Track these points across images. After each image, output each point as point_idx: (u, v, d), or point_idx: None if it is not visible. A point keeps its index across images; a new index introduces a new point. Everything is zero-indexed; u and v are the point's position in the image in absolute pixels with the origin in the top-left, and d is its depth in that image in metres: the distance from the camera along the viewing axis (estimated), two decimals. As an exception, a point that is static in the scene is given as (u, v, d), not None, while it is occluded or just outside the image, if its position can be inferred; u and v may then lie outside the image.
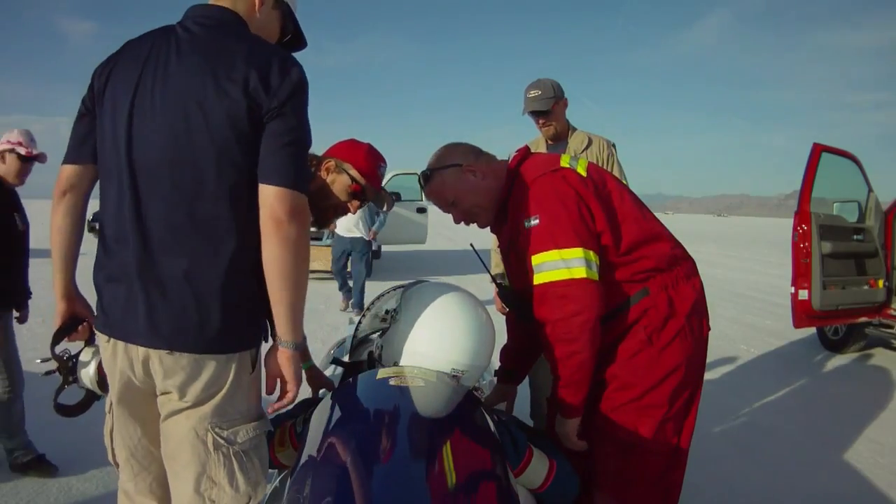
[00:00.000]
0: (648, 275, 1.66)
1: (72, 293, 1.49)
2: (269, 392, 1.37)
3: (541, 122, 2.88)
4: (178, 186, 1.24)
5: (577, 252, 1.50)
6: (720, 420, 3.85)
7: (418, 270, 11.15)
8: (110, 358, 1.35)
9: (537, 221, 1.55)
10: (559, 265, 1.50)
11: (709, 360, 5.78)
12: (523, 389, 3.11)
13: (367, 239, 7.45)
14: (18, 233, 2.69)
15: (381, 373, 1.42)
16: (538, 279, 1.53)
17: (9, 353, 2.74)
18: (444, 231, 22.62)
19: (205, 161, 1.23)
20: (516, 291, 1.77)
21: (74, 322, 1.49)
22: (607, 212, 1.61)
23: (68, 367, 1.53)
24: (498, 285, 1.85)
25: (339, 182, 1.71)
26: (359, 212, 5.03)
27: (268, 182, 1.23)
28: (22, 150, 2.64)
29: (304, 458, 1.20)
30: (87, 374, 1.52)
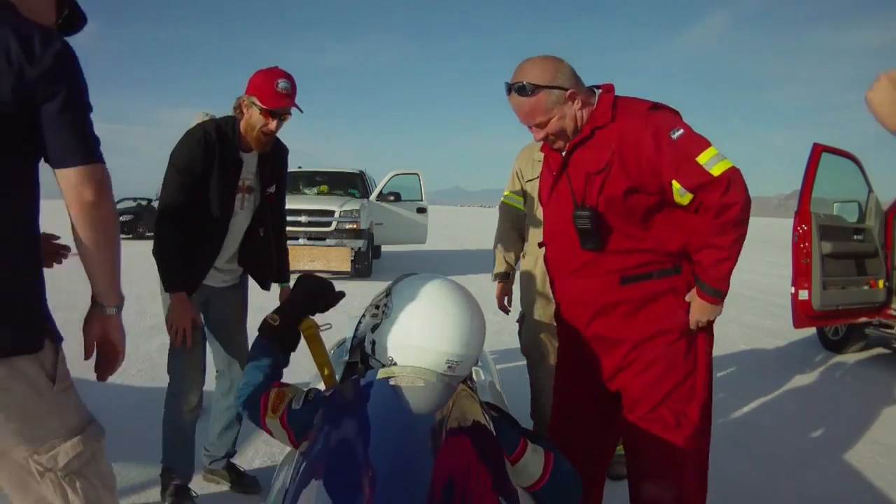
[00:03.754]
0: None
1: None
2: (87, 357, 1.39)
3: None
4: None
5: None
6: (720, 420, 3.85)
7: (418, 270, 11.13)
8: None
9: (682, 131, 1.66)
10: (724, 157, 1.64)
11: (709, 359, 5.62)
12: (524, 389, 3.11)
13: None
14: None
15: (381, 373, 1.42)
16: (718, 169, 1.62)
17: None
18: (444, 231, 22.64)
19: None
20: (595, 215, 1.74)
21: None
22: None
23: None
24: (575, 211, 1.78)
25: (253, 114, 2.28)
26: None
27: (64, 165, 1.21)
28: None
29: (303, 458, 1.20)
30: None
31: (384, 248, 12.98)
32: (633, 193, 1.69)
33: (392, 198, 10.81)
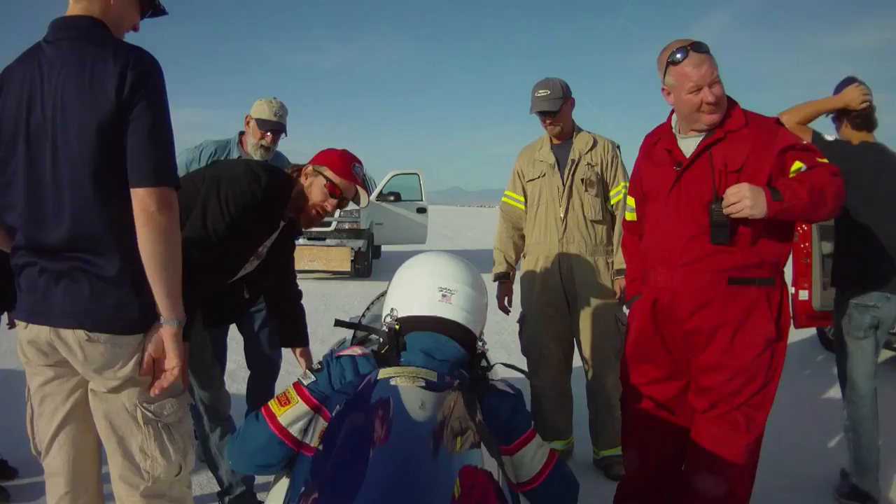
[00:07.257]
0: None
1: None
2: (144, 373, 1.44)
3: (548, 121, 2.89)
4: None
5: None
6: (720, 420, 3.84)
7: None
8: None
9: (807, 142, 1.97)
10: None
11: (709, 360, 5.53)
12: (524, 390, 3.11)
13: None
14: None
15: (382, 373, 1.42)
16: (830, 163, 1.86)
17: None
18: (444, 231, 22.66)
19: None
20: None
21: None
22: None
23: None
24: (713, 205, 1.84)
25: (316, 184, 2.02)
26: None
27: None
28: None
29: (303, 459, 1.20)
30: None
31: (384, 248, 12.97)
32: None
33: (392, 198, 10.80)
